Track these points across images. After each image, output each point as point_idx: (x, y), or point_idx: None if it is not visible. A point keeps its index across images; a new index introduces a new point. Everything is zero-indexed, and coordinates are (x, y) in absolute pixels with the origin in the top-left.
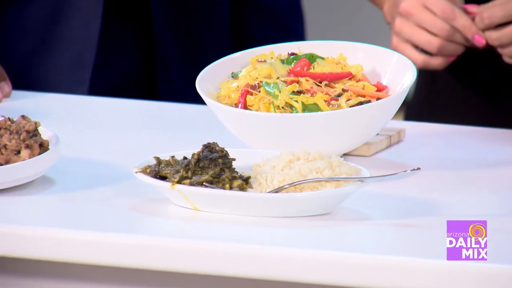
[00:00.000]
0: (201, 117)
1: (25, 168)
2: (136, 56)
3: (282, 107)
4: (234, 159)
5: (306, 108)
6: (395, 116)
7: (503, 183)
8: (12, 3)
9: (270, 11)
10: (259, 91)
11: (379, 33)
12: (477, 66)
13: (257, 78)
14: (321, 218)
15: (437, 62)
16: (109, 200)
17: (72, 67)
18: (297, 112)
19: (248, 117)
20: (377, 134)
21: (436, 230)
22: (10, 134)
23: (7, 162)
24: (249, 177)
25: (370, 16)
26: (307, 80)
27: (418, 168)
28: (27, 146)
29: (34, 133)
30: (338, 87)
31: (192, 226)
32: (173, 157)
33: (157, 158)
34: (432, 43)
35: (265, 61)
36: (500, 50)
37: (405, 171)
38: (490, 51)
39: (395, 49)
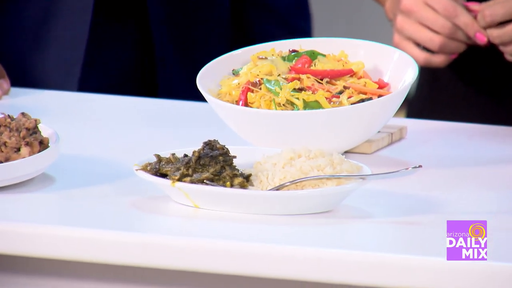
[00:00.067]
0: (201, 114)
1: (25, 165)
2: (134, 55)
3: (283, 104)
4: (235, 157)
5: (307, 105)
6: (397, 114)
7: (505, 180)
8: (11, 2)
9: (271, 10)
10: (260, 88)
11: (381, 30)
12: (478, 64)
13: (258, 75)
14: (322, 216)
15: (438, 60)
16: (109, 197)
17: (65, 65)
18: (298, 109)
19: (249, 114)
20: (379, 132)
21: (437, 228)
22: (10, 131)
23: (7, 159)
24: (250, 175)
25: (371, 13)
26: (308, 77)
27: (420, 166)
28: (27, 144)
29: (34, 130)
30: (340, 84)
31: (192, 224)
32: (173, 154)
33: (158, 156)
34: (434, 40)
35: (266, 58)
36: (501, 48)
37: (407, 168)
38: (491, 49)
39: (397, 46)
